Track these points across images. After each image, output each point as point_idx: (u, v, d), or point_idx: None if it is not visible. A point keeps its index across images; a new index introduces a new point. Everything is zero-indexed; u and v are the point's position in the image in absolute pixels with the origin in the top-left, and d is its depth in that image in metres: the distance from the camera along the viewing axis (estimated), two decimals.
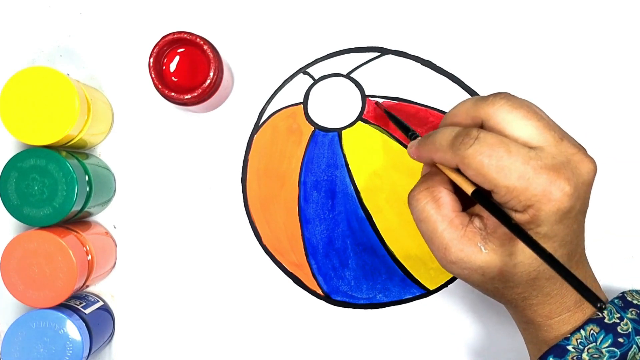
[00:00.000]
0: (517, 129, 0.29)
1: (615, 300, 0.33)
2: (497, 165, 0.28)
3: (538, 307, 0.31)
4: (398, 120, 0.39)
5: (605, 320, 0.31)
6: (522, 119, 0.29)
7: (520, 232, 0.27)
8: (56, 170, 0.37)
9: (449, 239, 0.31)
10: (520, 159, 0.28)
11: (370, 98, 0.42)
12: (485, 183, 0.28)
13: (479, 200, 0.29)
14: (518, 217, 0.29)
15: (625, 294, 0.33)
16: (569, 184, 0.28)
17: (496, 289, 0.31)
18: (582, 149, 0.30)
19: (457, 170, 0.30)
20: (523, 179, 0.27)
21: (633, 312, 0.32)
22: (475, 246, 0.30)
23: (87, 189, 0.39)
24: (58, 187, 0.37)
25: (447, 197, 0.31)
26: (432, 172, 0.33)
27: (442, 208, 0.31)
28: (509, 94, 0.30)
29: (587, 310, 0.32)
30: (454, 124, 0.31)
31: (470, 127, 0.30)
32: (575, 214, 0.29)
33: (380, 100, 0.42)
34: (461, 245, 0.30)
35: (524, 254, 0.29)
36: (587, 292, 0.24)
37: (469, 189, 0.29)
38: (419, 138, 0.33)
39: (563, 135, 0.29)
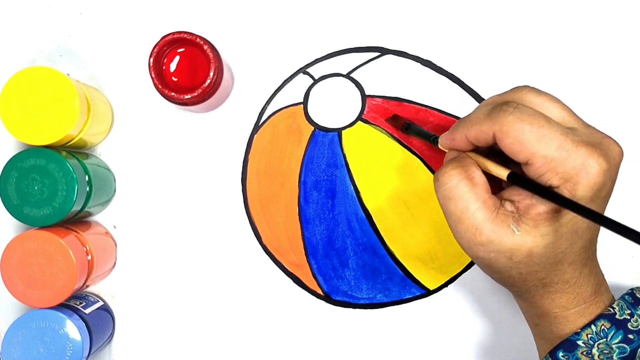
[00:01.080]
0: (548, 110, 0.30)
1: (626, 297, 0.33)
2: (538, 133, 0.28)
3: (556, 296, 0.31)
4: (418, 129, 0.39)
5: (616, 316, 0.31)
6: (550, 101, 0.30)
7: (564, 200, 0.26)
8: (56, 170, 0.37)
9: (481, 219, 0.30)
10: (560, 130, 0.28)
11: (369, 97, 0.42)
12: (523, 152, 0.28)
13: (515, 182, 0.29)
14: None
15: (634, 291, 0.33)
16: (605, 159, 0.28)
17: (520, 275, 0.31)
18: (609, 136, 0.30)
19: (488, 158, 0.31)
20: (562, 150, 0.27)
21: None
22: (508, 228, 0.29)
23: (87, 189, 0.39)
24: (58, 187, 0.37)
25: (481, 177, 0.31)
26: (462, 156, 0.32)
27: (476, 187, 0.30)
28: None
29: (601, 304, 0.32)
30: (477, 120, 0.31)
31: (508, 99, 0.30)
32: (605, 194, 0.29)
33: (380, 100, 0.42)
34: (493, 226, 0.29)
35: (557, 234, 0.29)
36: None
37: (503, 173, 0.29)
38: (453, 125, 0.33)
39: (587, 124, 0.30)
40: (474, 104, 0.42)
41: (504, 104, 0.29)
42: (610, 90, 0.41)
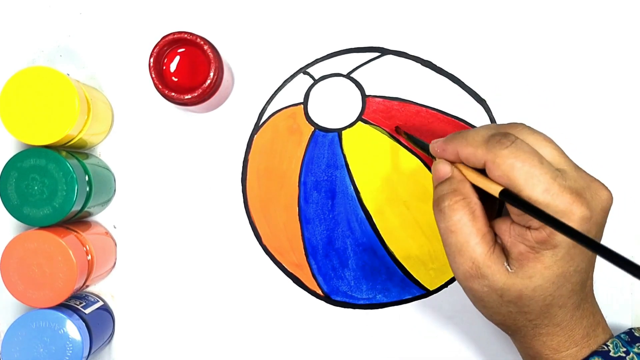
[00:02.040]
0: (540, 149, 0.30)
1: (622, 335, 0.33)
2: (528, 172, 0.28)
3: (547, 339, 0.31)
4: (416, 140, 0.39)
5: (611, 354, 0.31)
6: (543, 141, 0.30)
7: (558, 223, 0.26)
8: (56, 170, 0.37)
9: (480, 254, 0.30)
10: (550, 173, 0.28)
11: (370, 98, 0.42)
12: (510, 188, 0.28)
13: (507, 199, 0.29)
14: (534, 235, 0.29)
15: (633, 330, 0.33)
16: (588, 208, 0.28)
17: (509, 313, 0.31)
18: (597, 179, 0.30)
19: (479, 173, 0.30)
20: (548, 194, 0.28)
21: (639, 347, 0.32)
22: (502, 265, 0.30)
23: (87, 189, 0.39)
24: (58, 187, 0.37)
25: (481, 210, 0.31)
26: (457, 178, 0.32)
27: (477, 221, 0.30)
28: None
29: (594, 346, 0.32)
30: (473, 142, 0.31)
31: (507, 131, 0.30)
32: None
33: (381, 100, 0.42)
34: (490, 262, 0.30)
35: (543, 277, 0.29)
36: None
37: (495, 190, 0.29)
38: (448, 135, 0.33)
39: (577, 166, 0.30)
40: (474, 104, 0.42)
41: (503, 135, 0.29)
42: (610, 90, 0.41)
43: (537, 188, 0.28)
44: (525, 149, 0.28)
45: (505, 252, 0.30)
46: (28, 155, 0.38)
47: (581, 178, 0.29)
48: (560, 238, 0.28)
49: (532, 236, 0.29)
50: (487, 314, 0.32)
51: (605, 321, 0.33)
